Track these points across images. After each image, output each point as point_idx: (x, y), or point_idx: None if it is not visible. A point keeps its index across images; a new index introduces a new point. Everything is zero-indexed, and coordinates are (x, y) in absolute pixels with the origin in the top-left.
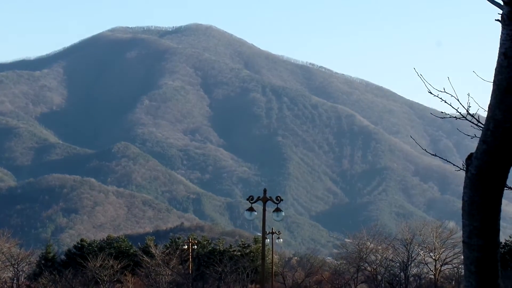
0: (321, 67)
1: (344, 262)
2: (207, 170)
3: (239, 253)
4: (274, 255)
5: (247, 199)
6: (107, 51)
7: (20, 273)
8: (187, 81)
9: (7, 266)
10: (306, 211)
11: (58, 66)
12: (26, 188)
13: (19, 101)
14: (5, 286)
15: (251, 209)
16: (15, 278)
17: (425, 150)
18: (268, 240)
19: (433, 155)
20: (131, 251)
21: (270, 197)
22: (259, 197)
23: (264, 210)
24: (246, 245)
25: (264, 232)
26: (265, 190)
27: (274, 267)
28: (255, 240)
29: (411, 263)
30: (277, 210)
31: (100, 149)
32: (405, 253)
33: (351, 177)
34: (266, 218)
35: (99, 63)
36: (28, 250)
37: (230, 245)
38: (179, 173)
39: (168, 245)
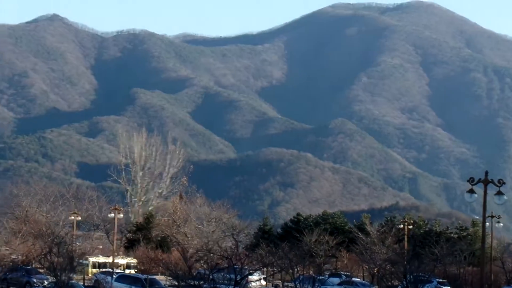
0: None
1: None
2: (423, 149)
3: (456, 235)
4: (493, 239)
5: (468, 181)
6: (327, 27)
7: (239, 243)
8: (406, 59)
9: (226, 236)
10: None
11: (279, 41)
12: (245, 161)
13: (241, 74)
14: (226, 254)
15: (471, 191)
16: (234, 248)
17: None
18: (488, 224)
19: None
20: (346, 227)
21: (491, 179)
22: (480, 179)
23: (485, 192)
24: (463, 228)
25: (484, 215)
26: (486, 172)
27: (492, 252)
28: (473, 223)
29: None
30: (499, 193)
31: (317, 125)
32: None
33: None
34: (486, 201)
35: (319, 39)
36: (246, 221)
37: (447, 227)
38: (395, 152)
39: (383, 224)
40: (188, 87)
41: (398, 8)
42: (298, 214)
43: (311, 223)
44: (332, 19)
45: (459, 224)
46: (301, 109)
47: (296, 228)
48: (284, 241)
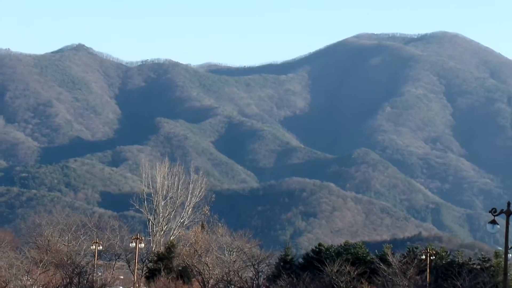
0: None
1: None
2: (447, 180)
3: (479, 266)
4: None
5: (490, 212)
6: (352, 57)
7: (260, 273)
8: (430, 89)
9: (247, 266)
10: None
11: (303, 70)
12: (267, 190)
13: (264, 104)
14: (246, 285)
15: (493, 222)
16: (255, 278)
17: None
18: (511, 255)
19: None
20: (368, 258)
21: None
22: (502, 210)
23: (507, 223)
24: (486, 259)
25: (506, 247)
26: (508, 203)
27: None
28: (496, 254)
29: None
30: None
31: (340, 154)
32: None
33: None
34: (508, 232)
35: (343, 69)
36: (267, 251)
37: (469, 258)
38: (418, 182)
39: (405, 254)
40: (212, 117)
41: (422, 38)
42: (319, 244)
43: (333, 253)
44: (356, 49)
45: (482, 255)
46: (324, 139)
47: (318, 258)
48: (305, 272)
